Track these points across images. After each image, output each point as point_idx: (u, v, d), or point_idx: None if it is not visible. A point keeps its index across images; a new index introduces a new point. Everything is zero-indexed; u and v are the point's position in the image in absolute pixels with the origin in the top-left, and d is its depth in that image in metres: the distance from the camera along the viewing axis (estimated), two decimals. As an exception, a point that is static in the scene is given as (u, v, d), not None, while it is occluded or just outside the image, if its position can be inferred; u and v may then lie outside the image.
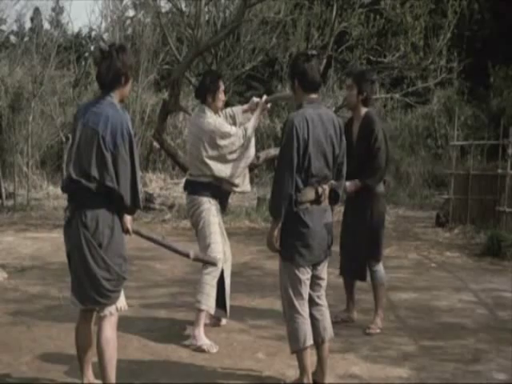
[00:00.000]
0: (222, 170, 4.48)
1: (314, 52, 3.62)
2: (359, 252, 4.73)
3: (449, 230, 9.92)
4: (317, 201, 3.51)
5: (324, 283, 3.70)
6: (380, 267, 4.82)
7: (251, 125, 4.61)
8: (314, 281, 3.62)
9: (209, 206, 4.48)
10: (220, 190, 4.57)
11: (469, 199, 9.98)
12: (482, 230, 9.15)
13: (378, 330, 4.71)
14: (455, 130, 11.25)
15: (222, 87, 4.63)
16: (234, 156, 4.51)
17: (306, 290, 3.54)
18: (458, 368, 4.04)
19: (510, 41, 15.23)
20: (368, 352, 4.31)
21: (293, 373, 3.77)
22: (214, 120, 4.49)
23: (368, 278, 4.88)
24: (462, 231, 9.65)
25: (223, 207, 4.72)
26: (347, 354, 4.23)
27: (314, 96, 3.59)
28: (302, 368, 3.52)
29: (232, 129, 4.52)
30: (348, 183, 4.40)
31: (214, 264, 4.21)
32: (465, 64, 13.05)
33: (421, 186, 14.57)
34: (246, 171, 4.71)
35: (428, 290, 6.14)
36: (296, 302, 3.50)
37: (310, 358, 3.56)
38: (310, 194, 3.49)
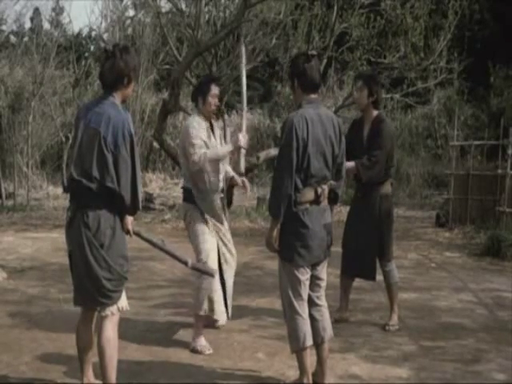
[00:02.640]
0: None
1: (314, 52, 3.62)
2: (368, 252, 4.76)
3: (449, 229, 9.93)
4: (316, 201, 3.51)
5: (323, 283, 3.70)
6: (392, 266, 4.87)
7: (215, 151, 4.34)
8: (314, 281, 3.62)
9: (197, 214, 4.40)
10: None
11: (469, 199, 10.00)
12: (482, 230, 9.17)
13: (397, 327, 4.82)
14: (455, 130, 11.24)
15: (215, 91, 4.41)
16: (196, 168, 4.31)
17: (305, 291, 3.54)
18: (458, 368, 4.04)
19: (510, 41, 15.23)
20: (368, 352, 4.31)
21: (293, 373, 3.77)
22: (194, 126, 4.33)
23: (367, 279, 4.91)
24: (461, 231, 9.67)
25: (225, 208, 4.68)
26: (347, 354, 4.23)
27: (313, 96, 3.59)
28: (302, 368, 3.52)
29: (198, 150, 4.25)
30: (348, 164, 4.20)
31: (211, 275, 4.15)
32: (465, 64, 13.04)
33: (421, 186, 14.57)
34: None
35: (428, 290, 6.14)
36: (295, 303, 3.50)
37: (310, 358, 3.56)
38: (309, 194, 3.49)
